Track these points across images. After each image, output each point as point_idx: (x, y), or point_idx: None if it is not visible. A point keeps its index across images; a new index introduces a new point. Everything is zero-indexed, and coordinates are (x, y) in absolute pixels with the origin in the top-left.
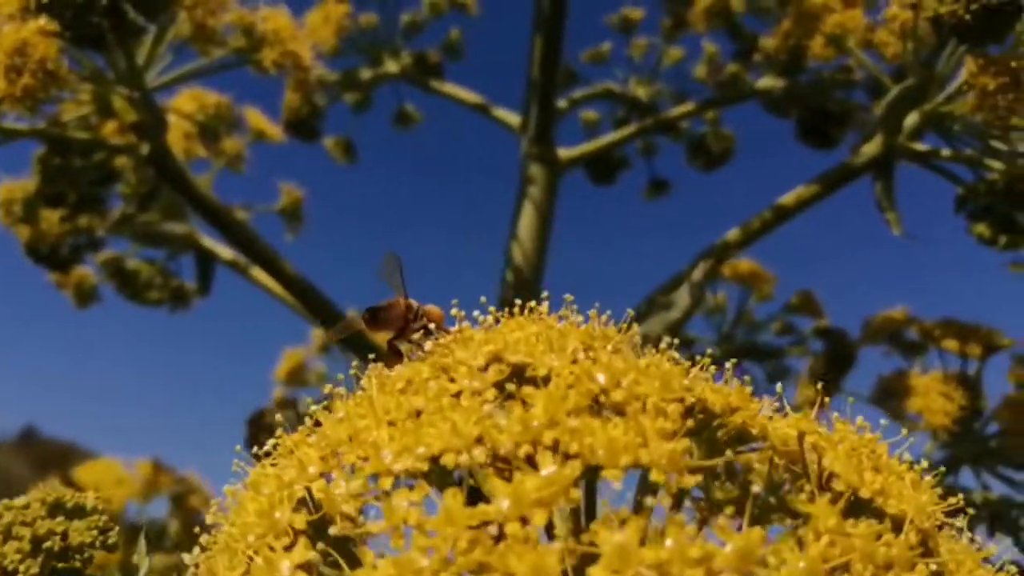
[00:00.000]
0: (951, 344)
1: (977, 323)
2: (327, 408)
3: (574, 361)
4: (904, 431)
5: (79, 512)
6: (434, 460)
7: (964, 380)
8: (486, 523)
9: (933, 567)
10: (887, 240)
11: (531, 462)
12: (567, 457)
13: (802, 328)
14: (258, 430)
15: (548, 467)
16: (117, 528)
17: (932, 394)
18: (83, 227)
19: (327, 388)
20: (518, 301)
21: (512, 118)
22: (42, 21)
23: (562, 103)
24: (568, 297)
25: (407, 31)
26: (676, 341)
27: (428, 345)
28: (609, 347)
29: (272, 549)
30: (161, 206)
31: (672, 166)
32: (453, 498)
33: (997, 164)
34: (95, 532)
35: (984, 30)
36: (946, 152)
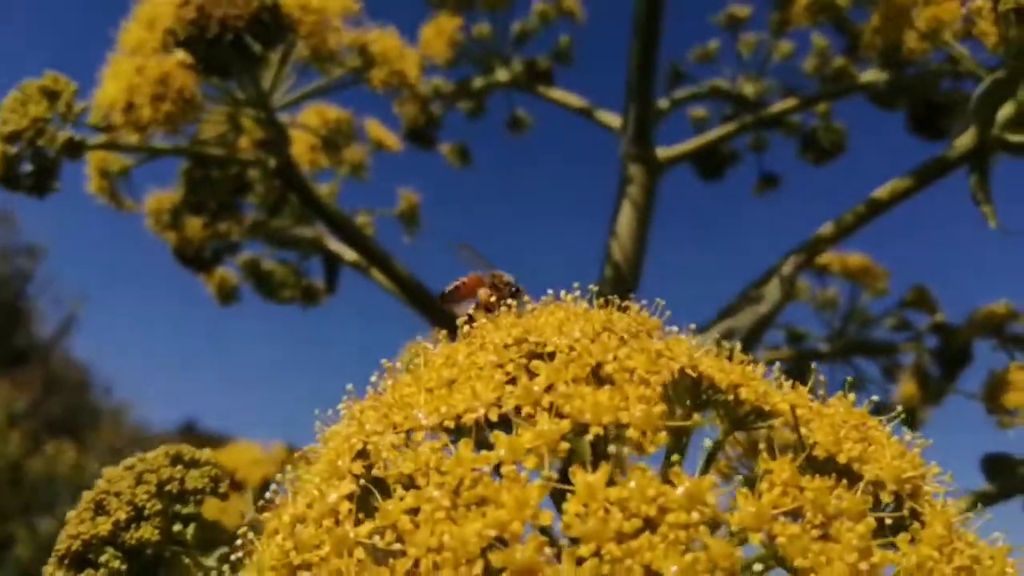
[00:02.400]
0: None
1: None
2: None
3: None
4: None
5: (195, 463)
6: (458, 419)
7: None
8: (494, 467)
9: (889, 521)
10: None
11: (533, 421)
12: (561, 417)
13: (917, 324)
14: None
15: (543, 424)
16: (227, 480)
17: None
18: (222, 232)
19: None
20: (564, 294)
21: (614, 120)
22: (180, 55)
23: (664, 103)
24: (596, 292)
25: (517, 40)
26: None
27: (465, 329)
28: (640, 332)
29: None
30: (292, 213)
31: (784, 161)
32: (465, 446)
33: None
34: (207, 480)
35: None
36: None
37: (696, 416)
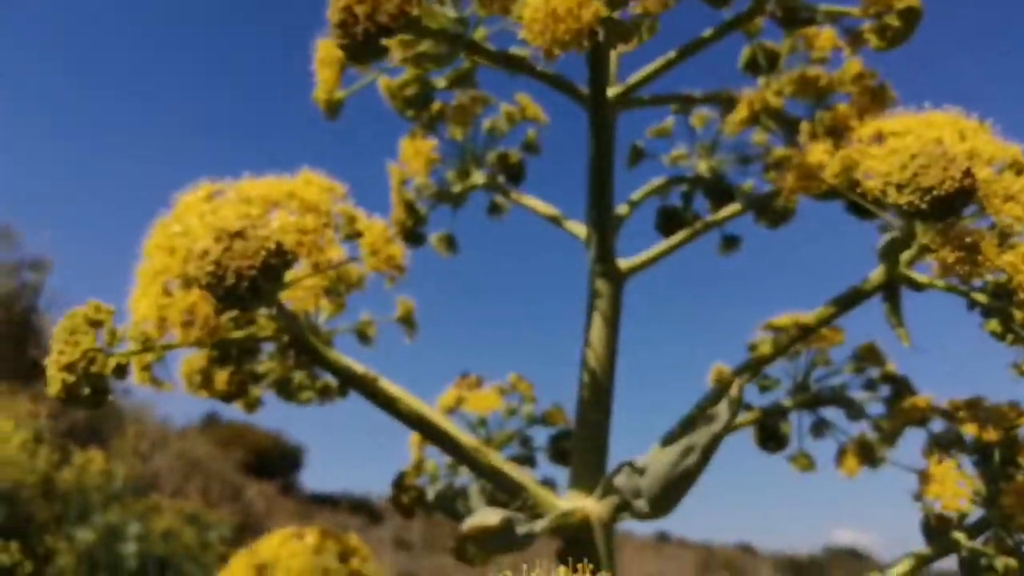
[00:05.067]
0: (971, 428)
1: (999, 405)
2: None
3: None
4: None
5: None
6: None
7: (985, 463)
8: None
9: None
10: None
11: None
12: None
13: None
14: (400, 491)
15: None
16: None
17: (948, 481)
18: (246, 373)
19: None
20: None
21: (581, 230)
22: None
23: (623, 209)
24: None
25: (488, 140)
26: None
27: None
28: None
29: None
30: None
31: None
32: None
33: (982, 298)
34: None
35: (939, 214)
36: (940, 284)
37: None
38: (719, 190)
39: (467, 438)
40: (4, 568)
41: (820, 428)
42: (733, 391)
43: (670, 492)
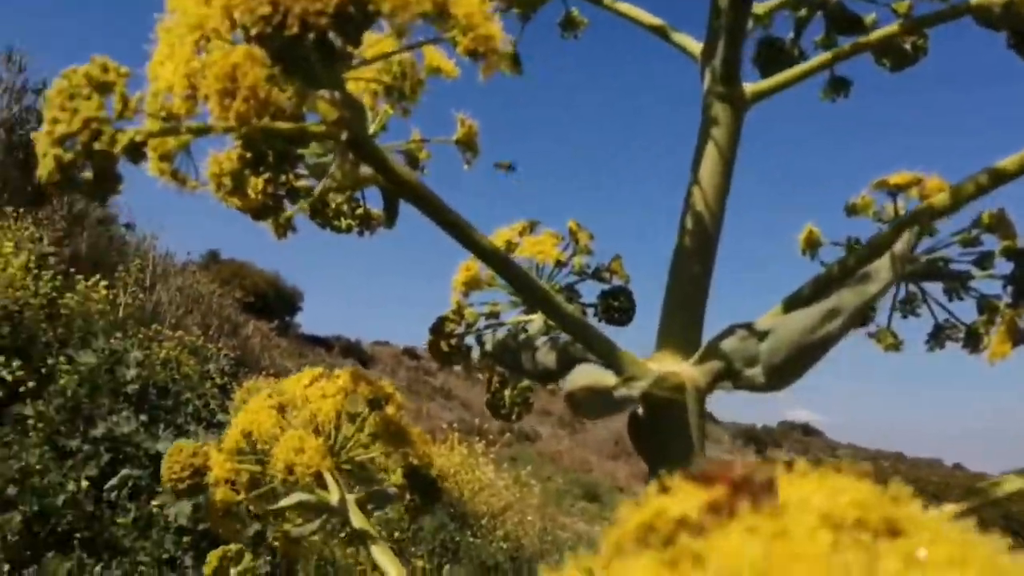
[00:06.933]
0: None
1: None
2: None
3: None
4: None
5: None
6: None
7: None
8: None
9: None
10: None
11: None
12: None
13: (990, 247)
14: (439, 337)
15: None
16: None
17: None
18: (284, 182)
19: None
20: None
21: (693, 45)
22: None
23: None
24: None
25: None
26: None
27: None
28: None
29: None
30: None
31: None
32: None
33: None
34: None
35: None
36: None
37: None
38: (843, 18)
39: (541, 282)
40: (6, 383)
41: (911, 303)
42: (899, 246)
43: (798, 361)
